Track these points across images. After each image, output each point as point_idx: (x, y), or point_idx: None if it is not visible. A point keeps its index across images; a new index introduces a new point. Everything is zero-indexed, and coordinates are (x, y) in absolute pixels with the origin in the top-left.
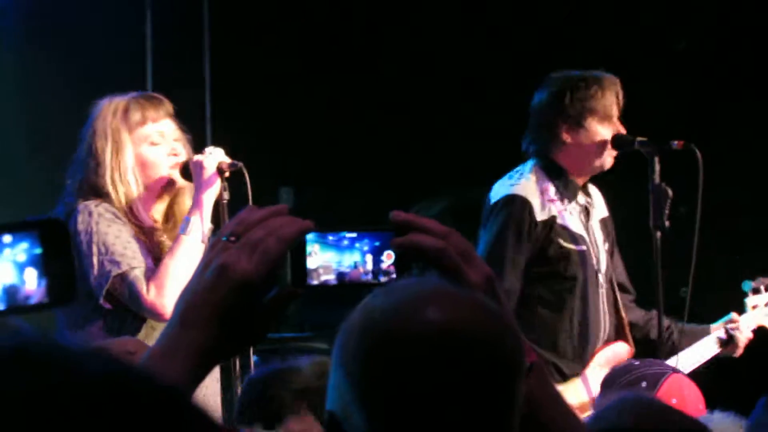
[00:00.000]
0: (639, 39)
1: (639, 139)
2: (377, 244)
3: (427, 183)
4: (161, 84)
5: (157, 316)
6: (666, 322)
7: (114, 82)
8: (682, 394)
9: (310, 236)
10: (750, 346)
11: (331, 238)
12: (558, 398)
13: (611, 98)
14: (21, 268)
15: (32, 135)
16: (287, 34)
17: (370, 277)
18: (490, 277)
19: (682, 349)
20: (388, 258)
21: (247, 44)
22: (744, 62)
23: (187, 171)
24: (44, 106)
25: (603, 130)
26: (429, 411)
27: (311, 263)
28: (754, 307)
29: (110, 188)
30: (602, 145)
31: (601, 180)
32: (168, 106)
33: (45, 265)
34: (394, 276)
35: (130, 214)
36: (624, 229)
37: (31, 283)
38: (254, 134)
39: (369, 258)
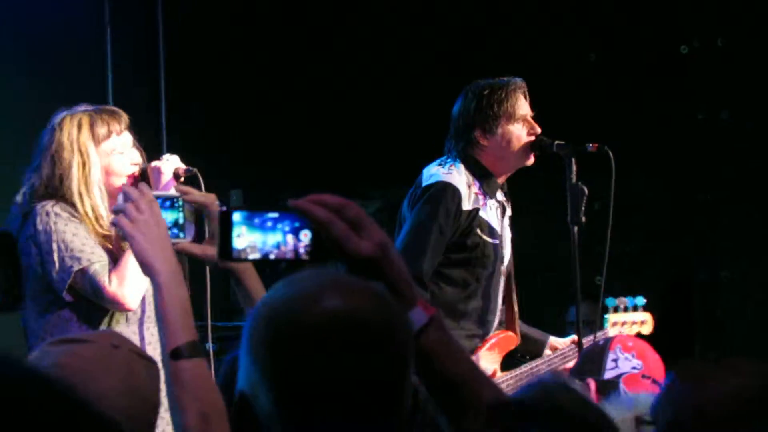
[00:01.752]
0: (556, 50)
1: (557, 142)
2: (297, 225)
3: (363, 184)
4: (120, 93)
5: (118, 305)
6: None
7: (74, 92)
8: (633, 340)
9: (237, 218)
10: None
11: (256, 220)
12: (459, 350)
13: (518, 99)
14: None
15: None
16: (236, 43)
17: (291, 254)
18: (383, 243)
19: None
20: (304, 236)
21: (199, 54)
22: (646, 72)
23: (145, 176)
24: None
25: (515, 130)
26: (328, 391)
27: (240, 243)
28: (613, 324)
29: (76, 199)
30: (518, 146)
31: (521, 178)
32: (126, 119)
33: None
34: (303, 252)
35: (96, 223)
36: (543, 223)
37: None
38: (205, 141)
39: (290, 237)
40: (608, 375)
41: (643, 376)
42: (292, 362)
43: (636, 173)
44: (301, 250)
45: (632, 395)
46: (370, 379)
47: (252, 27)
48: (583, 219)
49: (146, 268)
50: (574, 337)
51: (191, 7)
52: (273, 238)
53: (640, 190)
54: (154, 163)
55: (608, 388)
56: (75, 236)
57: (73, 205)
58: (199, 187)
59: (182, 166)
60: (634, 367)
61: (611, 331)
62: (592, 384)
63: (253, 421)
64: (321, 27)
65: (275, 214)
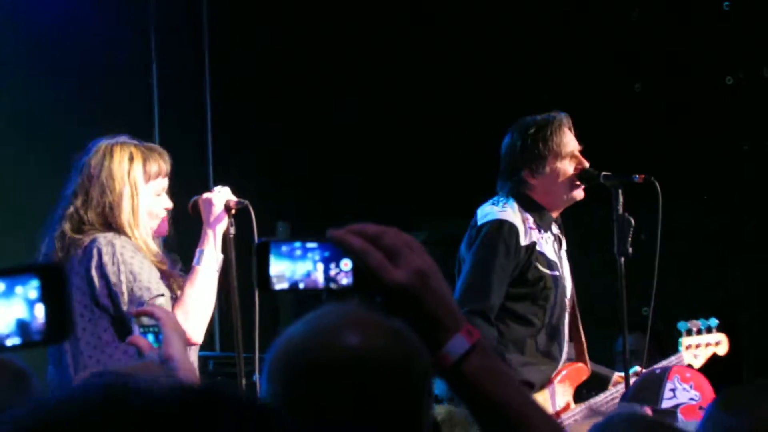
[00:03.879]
0: (601, 80)
1: (604, 173)
2: (327, 254)
3: (410, 216)
4: (166, 124)
5: (185, 339)
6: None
7: (119, 123)
8: (691, 371)
9: (273, 249)
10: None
11: (284, 248)
12: (507, 376)
13: (564, 136)
14: (31, 304)
15: (39, 165)
16: (285, 73)
17: (321, 284)
18: (421, 271)
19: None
20: (345, 266)
21: (247, 83)
22: (690, 101)
23: (195, 208)
24: (48, 141)
25: (562, 167)
26: (340, 428)
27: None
28: (687, 348)
29: (127, 228)
30: (565, 180)
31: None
32: (170, 162)
33: (45, 303)
34: (344, 283)
35: (150, 254)
36: (589, 255)
37: (41, 318)
38: (252, 173)
39: (320, 267)
40: (666, 405)
41: (701, 408)
42: (305, 398)
43: (682, 204)
44: (334, 280)
45: (689, 424)
46: (383, 415)
47: (302, 56)
48: (630, 250)
49: None
50: (638, 368)
51: (239, 34)
52: (302, 268)
53: (686, 221)
54: (206, 195)
55: (666, 417)
56: (142, 268)
57: (124, 234)
58: (249, 219)
59: (233, 199)
60: (692, 398)
61: (685, 355)
62: (649, 412)
63: None
64: (371, 57)
65: (313, 245)
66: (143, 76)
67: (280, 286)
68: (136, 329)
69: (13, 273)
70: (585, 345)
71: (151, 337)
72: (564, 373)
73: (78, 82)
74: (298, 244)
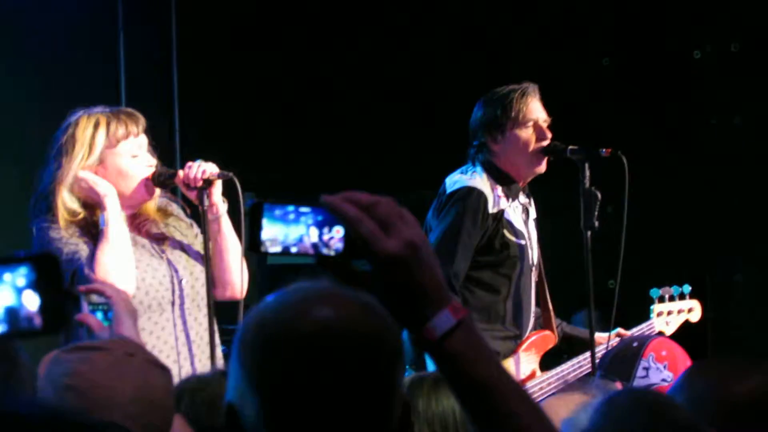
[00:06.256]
0: (569, 55)
1: (570, 147)
2: (320, 218)
3: (376, 188)
4: (133, 97)
5: None
6: (557, 320)
7: (87, 94)
8: (669, 347)
9: (266, 211)
10: None
11: (277, 212)
12: (490, 356)
13: (527, 104)
14: (19, 292)
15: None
16: (252, 43)
17: (313, 250)
18: (412, 242)
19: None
20: (337, 233)
21: (213, 55)
22: (659, 76)
23: (157, 180)
24: (14, 117)
25: (523, 135)
26: (313, 399)
27: (263, 235)
28: (658, 314)
29: (57, 187)
30: (529, 151)
31: (535, 183)
32: (144, 121)
33: (39, 293)
34: (337, 249)
35: (69, 215)
36: (556, 228)
37: (31, 306)
38: (219, 144)
39: (313, 231)
40: (637, 383)
41: None
42: (278, 369)
43: (649, 178)
44: (327, 245)
45: None
46: (356, 388)
47: (270, 26)
48: (596, 224)
49: None
50: (620, 329)
51: (206, 7)
52: (295, 231)
53: (653, 195)
54: (188, 166)
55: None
56: (59, 240)
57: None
58: (235, 192)
59: (216, 171)
60: (664, 379)
61: (657, 322)
62: (619, 387)
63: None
64: (342, 26)
65: (306, 209)
66: (110, 43)
67: (273, 249)
68: (85, 307)
69: (7, 262)
70: (552, 313)
71: (100, 315)
72: (530, 341)
73: (42, 50)
74: (291, 207)
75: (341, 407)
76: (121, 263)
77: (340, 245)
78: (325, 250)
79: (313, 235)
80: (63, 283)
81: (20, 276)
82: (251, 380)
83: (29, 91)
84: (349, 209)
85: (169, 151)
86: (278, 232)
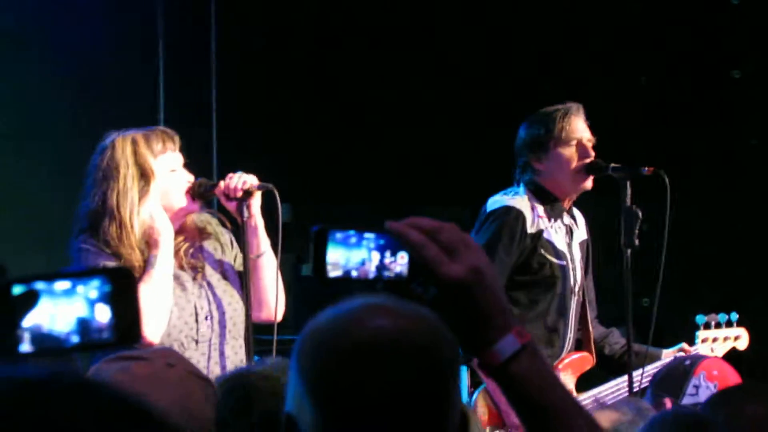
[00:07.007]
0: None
1: (613, 165)
2: (382, 242)
3: (413, 202)
4: (171, 114)
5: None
6: (622, 340)
7: (124, 115)
8: (721, 368)
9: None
10: None
11: (339, 236)
12: (554, 378)
13: (571, 123)
14: (92, 304)
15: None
16: (291, 61)
17: (374, 274)
18: (477, 268)
19: (632, 368)
20: (401, 258)
21: (251, 73)
22: (702, 95)
23: (197, 190)
24: (54, 131)
25: (566, 153)
26: (367, 407)
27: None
28: (703, 341)
29: (126, 216)
30: (572, 169)
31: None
32: (178, 139)
33: (113, 306)
34: (398, 273)
35: (130, 231)
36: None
37: (102, 318)
38: (257, 158)
39: (375, 255)
40: (686, 401)
41: None
42: (332, 377)
43: (689, 197)
44: (388, 269)
45: None
46: (410, 397)
47: (307, 41)
48: (636, 242)
49: None
50: (684, 345)
51: (245, 22)
52: (357, 256)
53: (692, 215)
54: (229, 177)
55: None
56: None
57: (121, 224)
58: (275, 203)
59: (256, 182)
60: None
61: (701, 348)
62: (669, 404)
63: None
64: (383, 43)
65: (370, 234)
66: (149, 64)
67: (334, 273)
68: None
69: (83, 276)
70: (592, 335)
71: None
72: (567, 361)
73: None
74: (352, 232)
75: (396, 416)
76: (154, 311)
77: (401, 269)
78: (387, 273)
79: (375, 259)
80: (137, 297)
81: (92, 289)
82: (307, 389)
83: (70, 104)
84: (413, 234)
85: (206, 163)
86: (340, 257)
